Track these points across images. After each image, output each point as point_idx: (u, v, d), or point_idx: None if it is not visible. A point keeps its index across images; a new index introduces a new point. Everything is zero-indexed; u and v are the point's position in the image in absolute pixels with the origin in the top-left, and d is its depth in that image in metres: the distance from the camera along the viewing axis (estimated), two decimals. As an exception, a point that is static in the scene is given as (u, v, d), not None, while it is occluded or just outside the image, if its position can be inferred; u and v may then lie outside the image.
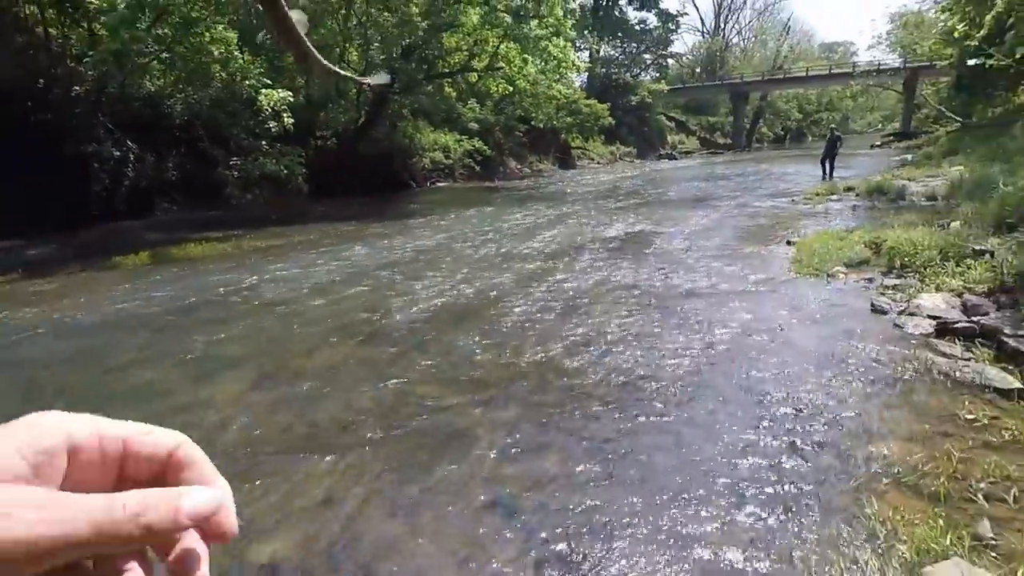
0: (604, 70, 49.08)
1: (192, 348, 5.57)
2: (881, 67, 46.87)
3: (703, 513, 2.81)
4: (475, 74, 24.73)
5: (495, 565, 2.53)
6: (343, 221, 13.73)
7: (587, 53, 47.48)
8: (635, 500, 2.94)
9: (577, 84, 40.71)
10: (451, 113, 26.76)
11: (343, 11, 20.01)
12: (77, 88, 13.76)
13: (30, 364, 5.39)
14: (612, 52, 52.08)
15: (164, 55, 14.20)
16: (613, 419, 3.81)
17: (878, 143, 42.57)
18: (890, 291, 6.16)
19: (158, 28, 13.56)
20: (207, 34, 13.58)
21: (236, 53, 14.29)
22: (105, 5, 12.73)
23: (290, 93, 16.07)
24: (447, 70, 24.16)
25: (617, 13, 51.21)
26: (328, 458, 3.48)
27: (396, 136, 23.68)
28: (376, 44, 21.40)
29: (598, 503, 2.93)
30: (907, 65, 44.62)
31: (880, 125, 75.20)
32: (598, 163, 39.26)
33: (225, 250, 10.87)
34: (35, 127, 13.00)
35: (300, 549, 2.70)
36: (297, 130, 16.73)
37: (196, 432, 3.81)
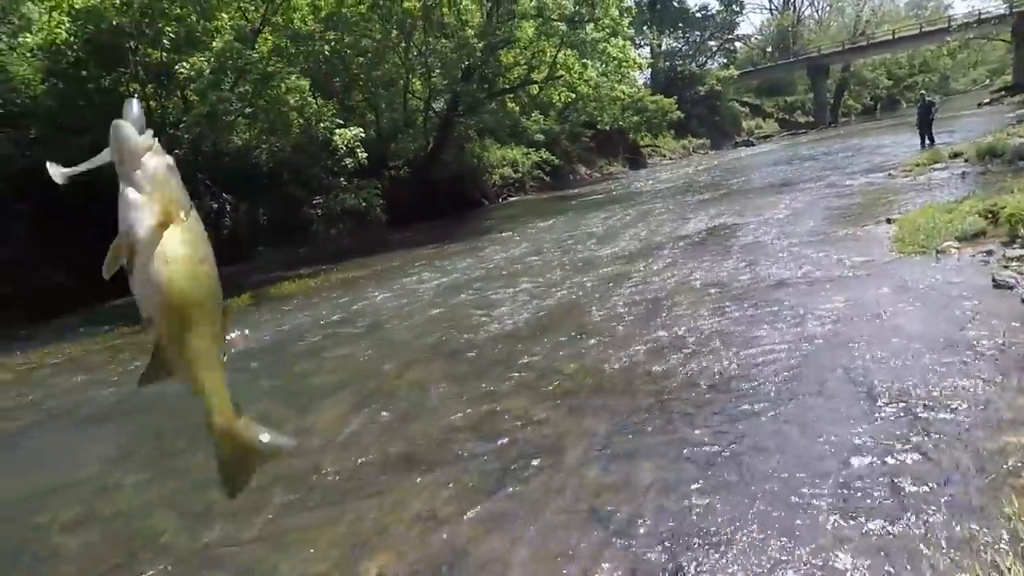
0: (668, 63, 47.92)
1: (294, 380, 5.91)
2: (983, 16, 42.58)
3: (813, 517, 2.64)
4: (536, 86, 24.91)
5: (589, 568, 2.49)
6: (421, 245, 14.19)
7: (648, 49, 46.64)
8: (736, 505, 2.80)
9: (640, 81, 40.00)
10: (516, 127, 27.06)
11: (403, 44, 20.81)
12: (177, 151, 15.11)
13: (157, 407, 5.91)
14: (674, 44, 50.78)
15: (247, 110, 15.33)
16: (706, 422, 3.67)
17: (986, 100, 38.62)
18: (1015, 263, 5.54)
19: (240, 86, 14.66)
20: (282, 85, 14.52)
21: (310, 99, 15.18)
22: (194, 73, 13.93)
23: (361, 129, 16.85)
24: (507, 86, 24.48)
25: (676, 3, 50.00)
26: (426, 474, 3.57)
27: (465, 157, 24.23)
28: (437, 71, 22.06)
29: (696, 509, 2.82)
30: (1014, 10, 40.28)
31: (987, 81, 68.20)
32: (670, 159, 38.28)
33: (316, 285, 11.49)
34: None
35: (406, 564, 2.78)
36: (371, 163, 17.50)
37: (301, 459, 4.04)
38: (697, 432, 3.56)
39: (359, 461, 3.89)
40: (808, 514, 2.66)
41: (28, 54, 14.63)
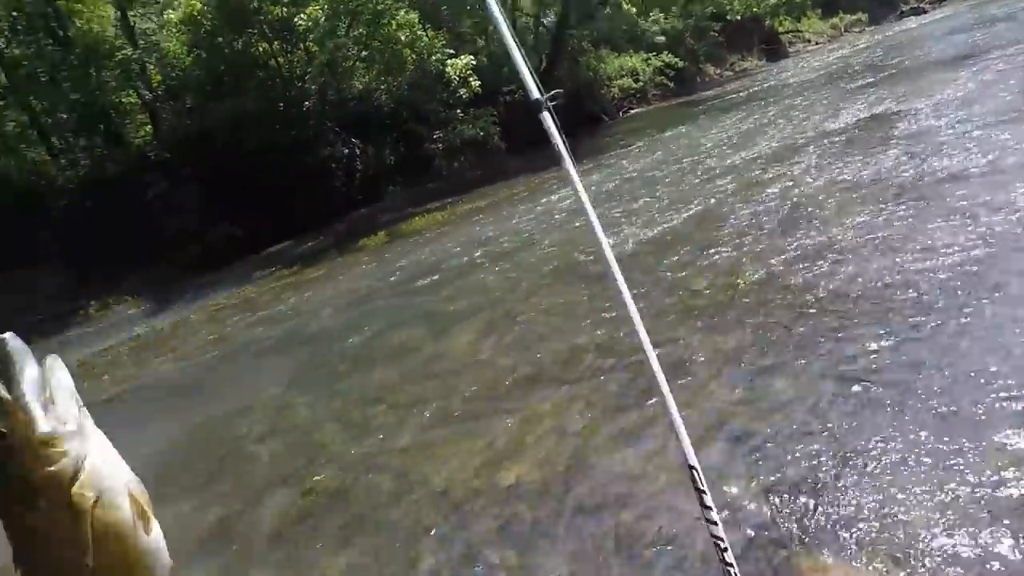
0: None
1: (429, 308, 6.29)
2: None
3: (986, 442, 2.35)
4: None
5: (725, 492, 2.46)
6: (541, 171, 14.06)
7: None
8: (888, 426, 2.58)
9: (777, -45, 35.03)
10: (633, 31, 25.23)
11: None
12: (307, 103, 16.07)
13: (318, 337, 6.63)
14: None
15: (363, 53, 15.79)
16: (855, 336, 3.36)
17: None
18: None
19: (354, 30, 15.06)
20: (393, 22, 14.70)
21: (420, 32, 15.26)
22: (311, 23, 14.51)
23: (472, 57, 16.69)
24: None
25: None
26: (555, 393, 3.70)
27: (580, 72, 23.21)
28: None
29: (841, 430, 2.65)
30: None
31: None
32: (817, 43, 33.65)
33: (443, 218, 11.94)
34: (284, 146, 15.57)
35: (539, 472, 2.94)
36: (485, 91, 17.39)
37: (441, 380, 4.35)
38: (844, 347, 3.29)
39: (492, 381, 4.11)
40: (978, 439, 2.38)
41: (174, 30, 16.03)
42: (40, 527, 0.47)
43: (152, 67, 16.59)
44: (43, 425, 0.47)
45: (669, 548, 2.27)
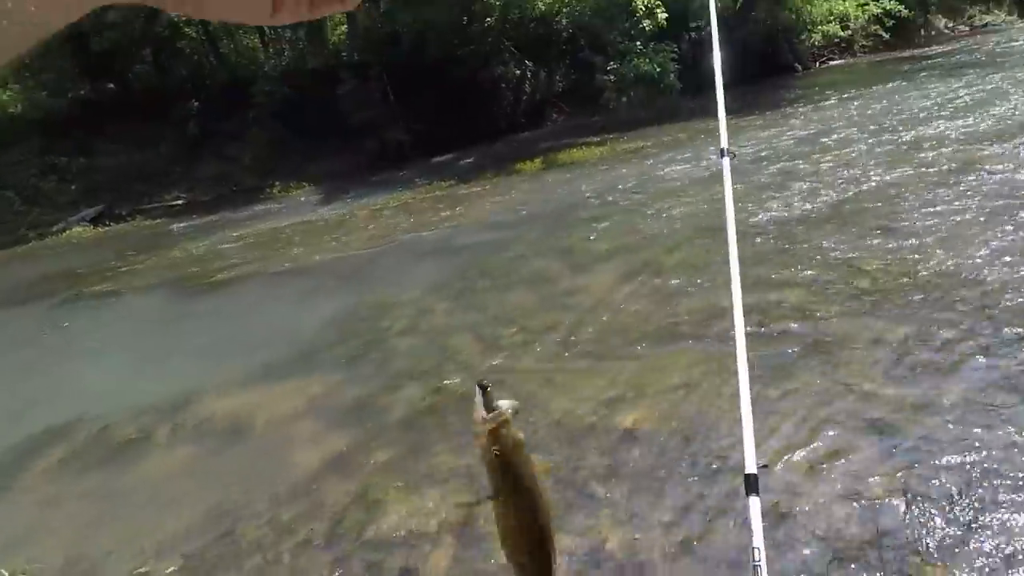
0: None
1: (573, 242, 6.32)
2: None
3: None
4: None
5: (863, 483, 2.31)
6: (713, 116, 13.11)
7: None
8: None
9: None
10: (854, -31, 21.93)
11: None
12: (488, 19, 16.12)
13: (462, 250, 6.98)
14: None
15: (552, -29, 15.37)
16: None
17: None
18: None
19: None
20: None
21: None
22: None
23: (665, -14, 15.59)
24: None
25: None
26: (686, 348, 3.62)
27: (780, 12, 20.83)
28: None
29: (1006, 448, 2.33)
30: None
31: None
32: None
33: (602, 153, 11.68)
34: (462, 58, 15.90)
35: (658, 422, 2.95)
36: (671, 25, 16.28)
37: (574, 314, 4.41)
38: (1038, 364, 2.84)
39: (625, 325, 4.10)
40: None
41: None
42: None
43: (353, -31, 17.46)
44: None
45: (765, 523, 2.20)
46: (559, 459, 2.84)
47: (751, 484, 1.30)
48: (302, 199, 13.39)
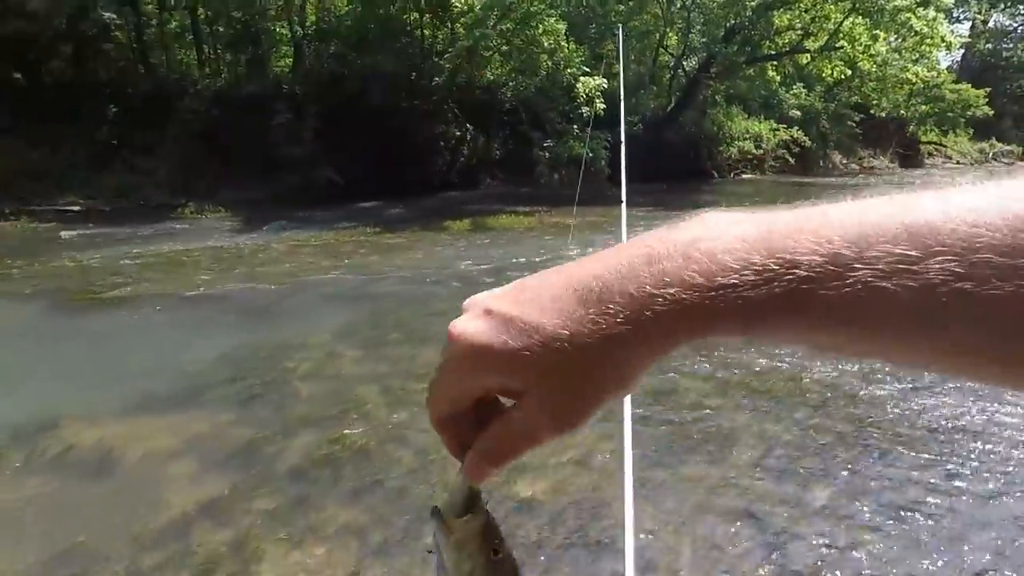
0: (990, 46, 39.08)
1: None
2: None
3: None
4: (807, 55, 22.30)
5: (737, 570, 2.42)
6: (637, 206, 14.02)
7: (968, 25, 38.40)
8: (921, 564, 2.46)
9: (944, 65, 33.25)
10: (770, 99, 24.69)
11: (668, -4, 20.00)
12: (436, 78, 16.64)
13: (380, 299, 6.88)
14: (1007, 22, 41.14)
15: (503, 47, 16.23)
16: (914, 468, 3.21)
17: None
18: None
19: (502, 24, 15.52)
20: (540, 26, 15.04)
21: (563, 43, 15.53)
22: (466, 7, 15.05)
23: (605, 80, 16.81)
24: (773, 52, 22.29)
25: (1021, -30, 40.16)
26: (595, 425, 3.70)
27: (705, 123, 22.94)
28: (697, 27, 20.88)
29: (872, 555, 2.54)
30: None
31: None
32: (957, 163, 31.81)
33: (530, 223, 12.09)
34: (405, 110, 16.19)
35: (552, 493, 2.97)
36: (607, 115, 17.50)
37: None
38: (898, 476, 3.14)
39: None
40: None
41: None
42: None
43: (312, 7, 17.65)
44: None
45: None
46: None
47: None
48: (215, 224, 12.81)
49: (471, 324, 0.36)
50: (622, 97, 4.36)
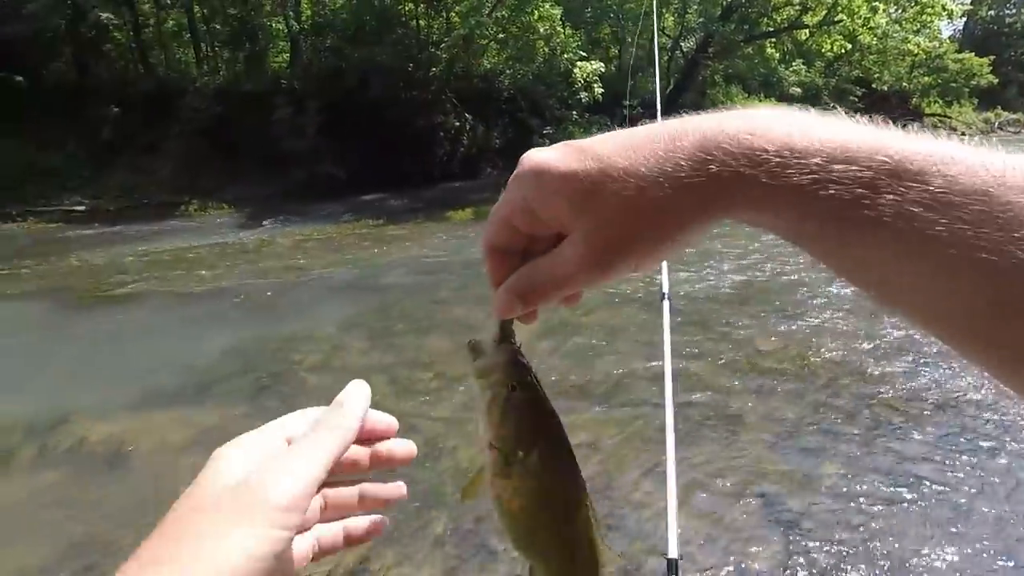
0: (992, 12, 38.41)
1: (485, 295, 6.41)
2: None
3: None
4: (805, 31, 22.03)
5: (749, 550, 2.43)
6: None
7: (969, -8, 37.70)
8: (931, 537, 2.47)
9: (946, 34, 32.74)
10: (770, 77, 24.45)
11: (665, -24, 19.78)
12: (434, 69, 16.54)
13: (384, 290, 6.89)
14: (1009, -13, 40.47)
15: (500, 35, 16.10)
16: (921, 441, 3.21)
17: None
18: None
19: (497, 12, 15.39)
20: (536, 12, 14.90)
21: (559, 28, 15.39)
22: (461, -4, 14.95)
23: (602, 64, 16.71)
24: (771, 28, 22.03)
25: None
26: (595, 408, 3.72)
27: (704, 103, 22.70)
28: (694, 7, 20.66)
29: (878, 527, 2.55)
30: None
31: None
32: (963, 134, 30.81)
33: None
34: (404, 102, 16.11)
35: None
36: (606, 99, 17.37)
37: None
38: (906, 449, 3.14)
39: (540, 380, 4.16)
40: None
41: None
42: None
43: (306, 2, 17.55)
44: None
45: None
46: (461, 511, 2.80)
47: (672, 568, 1.32)
48: (219, 220, 12.84)
49: (544, 151, 0.36)
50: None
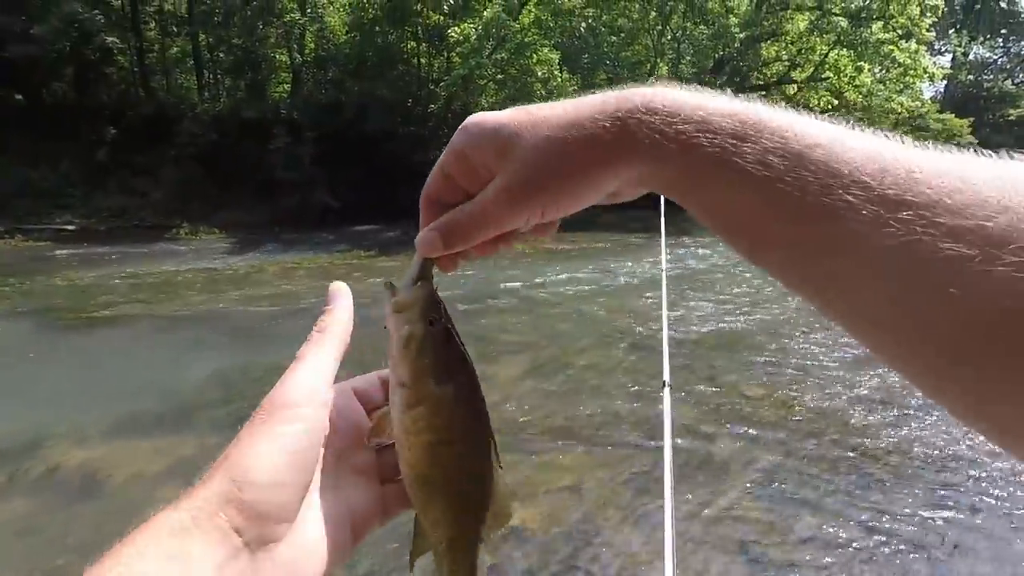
0: (972, 77, 39.96)
1: (485, 332, 6.41)
2: None
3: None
4: (794, 86, 22.79)
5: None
6: (630, 232, 14.17)
7: (949, 57, 39.37)
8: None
9: (928, 95, 33.94)
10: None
11: (658, 27, 20.45)
12: (432, 105, 16.91)
13: (374, 323, 6.83)
14: (987, 54, 42.17)
15: (498, 76, 16.52)
16: (904, 494, 3.22)
17: None
18: None
19: (496, 54, 15.84)
20: (535, 56, 15.34)
21: (556, 72, 15.82)
22: (462, 37, 15.35)
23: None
24: (761, 82, 22.76)
25: (1004, 4, 41.31)
26: (580, 450, 3.70)
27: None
28: (687, 58, 21.33)
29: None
30: None
31: None
32: (942, 190, 32.22)
33: (522, 249, 12.14)
34: (402, 136, 16.39)
35: (544, 522, 2.95)
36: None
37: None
38: (890, 503, 3.14)
39: (526, 422, 4.15)
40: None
41: (340, 8, 17.32)
42: None
43: (310, 35, 17.95)
44: None
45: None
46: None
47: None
48: (210, 246, 12.83)
49: (485, 113, 0.41)
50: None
